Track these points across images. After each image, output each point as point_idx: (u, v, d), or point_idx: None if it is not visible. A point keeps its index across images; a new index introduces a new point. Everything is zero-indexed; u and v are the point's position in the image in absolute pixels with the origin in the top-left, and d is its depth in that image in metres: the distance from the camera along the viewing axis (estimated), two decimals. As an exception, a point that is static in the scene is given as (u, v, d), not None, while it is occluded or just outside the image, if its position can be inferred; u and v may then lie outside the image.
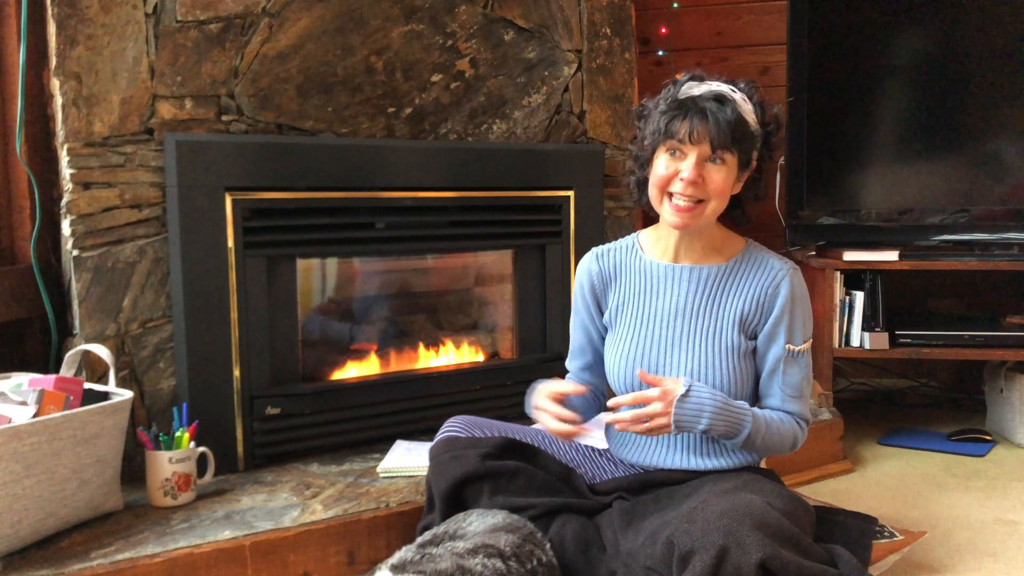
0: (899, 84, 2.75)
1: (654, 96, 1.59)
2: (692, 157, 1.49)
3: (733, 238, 1.65)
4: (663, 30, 3.33)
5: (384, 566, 1.32)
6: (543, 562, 1.44)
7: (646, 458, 1.64)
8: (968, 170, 2.73)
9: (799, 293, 1.59)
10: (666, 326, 1.61)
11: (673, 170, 1.51)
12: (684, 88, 1.53)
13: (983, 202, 2.71)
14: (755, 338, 1.60)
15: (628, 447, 1.67)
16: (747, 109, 1.52)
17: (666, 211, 1.55)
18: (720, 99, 1.49)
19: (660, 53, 3.33)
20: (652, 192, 1.56)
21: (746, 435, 1.51)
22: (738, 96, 1.52)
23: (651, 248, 1.67)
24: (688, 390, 1.47)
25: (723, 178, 1.50)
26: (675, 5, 3.32)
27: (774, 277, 1.58)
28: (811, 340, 1.62)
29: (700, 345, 1.58)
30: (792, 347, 1.58)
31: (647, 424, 1.47)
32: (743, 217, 1.64)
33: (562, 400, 1.54)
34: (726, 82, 1.54)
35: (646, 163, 1.58)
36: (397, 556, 1.36)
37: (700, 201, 1.51)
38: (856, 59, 2.76)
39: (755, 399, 1.64)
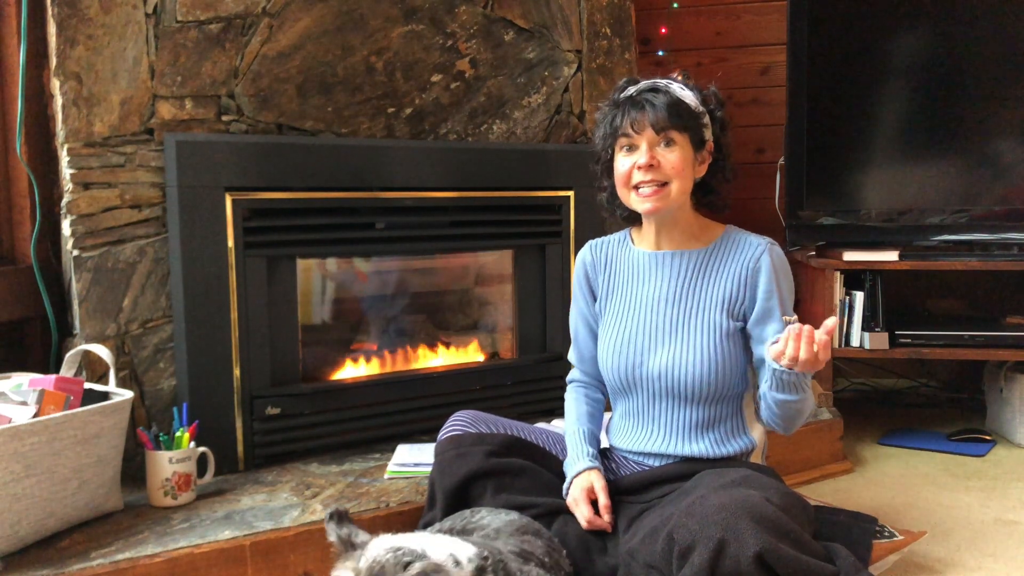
0: (899, 84, 2.75)
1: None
2: (643, 145, 1.57)
3: (712, 225, 1.70)
4: (663, 30, 3.33)
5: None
6: (567, 573, 1.45)
7: (641, 444, 1.65)
8: (968, 170, 2.73)
9: (780, 265, 1.62)
10: (652, 312, 1.65)
11: (630, 164, 1.59)
12: (622, 92, 1.63)
13: (983, 202, 2.71)
14: (743, 320, 1.61)
15: (623, 435, 1.69)
16: (683, 92, 1.60)
17: (635, 202, 1.61)
18: (653, 89, 1.59)
19: (660, 53, 3.33)
20: (621, 192, 1.63)
21: (803, 396, 1.50)
22: (673, 85, 1.60)
23: (639, 240, 1.74)
24: None
25: (678, 157, 1.56)
26: (675, 5, 3.32)
27: (753, 253, 1.61)
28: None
29: (686, 329, 1.61)
30: (787, 318, 1.59)
31: (806, 349, 1.42)
32: (720, 202, 1.69)
33: (594, 500, 1.57)
34: (660, 78, 1.63)
35: (608, 170, 1.66)
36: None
37: (664, 184, 1.57)
38: (856, 59, 2.75)
39: (743, 381, 1.63)
